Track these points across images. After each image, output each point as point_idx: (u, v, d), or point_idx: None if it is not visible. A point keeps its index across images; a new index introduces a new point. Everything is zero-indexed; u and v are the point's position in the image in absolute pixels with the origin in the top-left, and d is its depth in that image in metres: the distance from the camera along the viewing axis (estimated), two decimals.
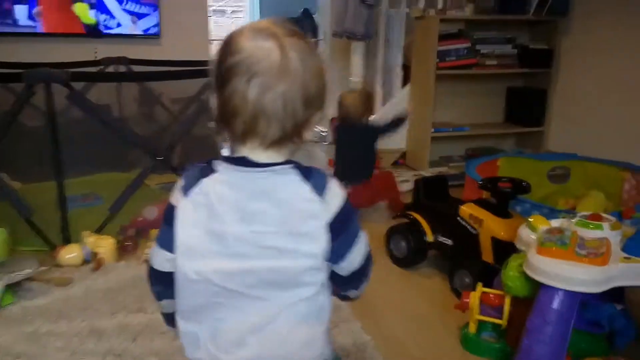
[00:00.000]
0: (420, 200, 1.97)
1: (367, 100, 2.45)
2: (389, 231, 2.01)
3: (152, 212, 2.34)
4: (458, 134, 3.37)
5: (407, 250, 1.91)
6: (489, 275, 1.58)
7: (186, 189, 0.75)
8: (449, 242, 1.82)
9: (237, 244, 0.72)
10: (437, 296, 1.74)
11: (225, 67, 0.70)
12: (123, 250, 2.09)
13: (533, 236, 1.35)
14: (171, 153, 2.22)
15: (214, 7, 8.47)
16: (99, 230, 2.11)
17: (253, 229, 0.71)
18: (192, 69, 2.40)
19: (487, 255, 1.67)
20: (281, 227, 0.71)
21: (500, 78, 3.53)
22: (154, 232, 2.17)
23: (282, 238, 0.71)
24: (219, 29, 8.83)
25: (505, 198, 1.69)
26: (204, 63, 2.73)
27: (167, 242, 0.77)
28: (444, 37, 3.17)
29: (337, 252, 0.75)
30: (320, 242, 0.73)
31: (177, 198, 0.76)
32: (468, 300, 1.43)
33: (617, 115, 2.95)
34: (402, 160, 3.50)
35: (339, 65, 3.97)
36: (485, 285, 1.48)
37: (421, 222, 1.89)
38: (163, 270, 0.81)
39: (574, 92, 3.26)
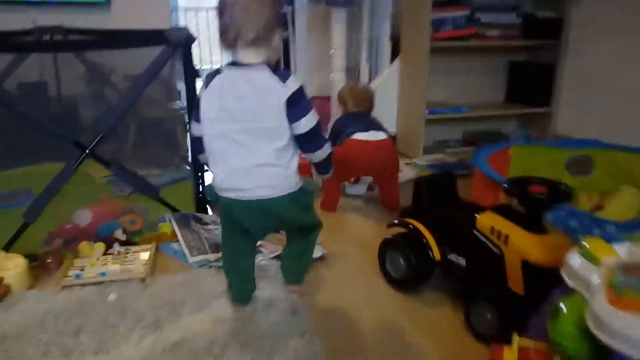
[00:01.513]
0: (422, 205, 1.54)
1: (372, 97, 2.32)
2: (383, 245, 1.58)
3: (84, 217, 1.87)
4: (455, 115, 2.94)
5: (407, 270, 1.49)
6: (519, 311, 1.19)
7: (206, 85, 1.23)
8: (462, 261, 1.40)
9: (236, 113, 1.19)
10: (447, 336, 1.32)
11: (222, 5, 1.18)
12: (43, 268, 1.64)
13: (595, 273, 0.94)
14: (103, 142, 1.74)
15: None
16: (10, 245, 1.64)
17: (244, 104, 1.18)
18: (132, 38, 1.91)
19: (516, 284, 1.26)
20: (260, 102, 1.18)
21: (502, 51, 3.12)
22: (85, 246, 1.73)
23: (261, 108, 1.18)
24: None
25: (539, 207, 1.27)
26: (159, 33, 2.26)
27: (197, 117, 1.26)
28: (438, 4, 2.75)
29: (292, 116, 1.19)
30: (283, 109, 1.18)
31: (201, 90, 1.24)
32: None
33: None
34: None
35: (318, 36, 3.50)
36: (516, 327, 1.08)
37: (424, 234, 1.47)
38: (197, 135, 1.29)
39: (587, 66, 2.84)
